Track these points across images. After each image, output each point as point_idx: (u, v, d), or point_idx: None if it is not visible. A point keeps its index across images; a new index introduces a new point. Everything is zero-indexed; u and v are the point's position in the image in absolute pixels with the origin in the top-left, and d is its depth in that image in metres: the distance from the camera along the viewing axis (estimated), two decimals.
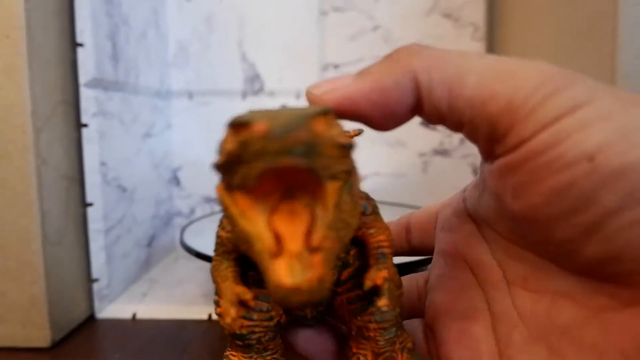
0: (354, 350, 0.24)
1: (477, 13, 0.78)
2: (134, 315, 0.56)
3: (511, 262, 0.22)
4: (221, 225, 0.25)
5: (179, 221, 0.82)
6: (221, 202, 0.18)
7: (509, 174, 0.19)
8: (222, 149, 0.17)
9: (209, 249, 0.53)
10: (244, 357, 0.25)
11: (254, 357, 0.25)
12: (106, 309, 0.56)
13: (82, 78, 0.53)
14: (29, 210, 0.46)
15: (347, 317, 0.25)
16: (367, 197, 0.24)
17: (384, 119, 0.21)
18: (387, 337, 0.23)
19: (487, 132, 0.19)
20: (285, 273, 0.15)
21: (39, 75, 0.46)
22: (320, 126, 0.17)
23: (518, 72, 0.19)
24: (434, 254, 0.28)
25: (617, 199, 0.17)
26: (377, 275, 0.23)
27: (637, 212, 0.17)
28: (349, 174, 0.18)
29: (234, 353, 0.25)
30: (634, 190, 0.17)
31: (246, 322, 0.24)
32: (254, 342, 0.24)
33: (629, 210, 0.17)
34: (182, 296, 0.61)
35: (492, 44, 0.80)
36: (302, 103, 0.81)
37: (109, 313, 0.56)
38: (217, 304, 0.24)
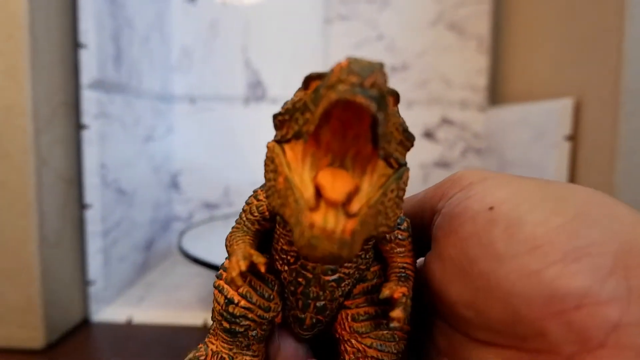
0: None
1: (482, 25, 0.78)
2: (130, 319, 0.55)
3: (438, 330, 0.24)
4: (255, 194, 0.23)
5: (178, 226, 0.82)
6: (269, 153, 0.18)
7: (437, 234, 0.22)
8: (288, 103, 0.18)
9: (207, 254, 0.53)
10: (223, 347, 0.23)
11: (234, 350, 0.23)
12: (102, 312, 0.56)
13: (85, 79, 0.53)
14: (27, 211, 0.45)
15: (347, 336, 0.23)
16: (405, 215, 0.24)
17: None
18: None
19: (430, 214, 0.24)
20: (319, 219, 0.15)
21: (41, 76, 0.46)
22: (390, 103, 0.18)
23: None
24: None
25: (507, 245, 0.19)
26: (397, 289, 0.21)
27: (525, 261, 0.18)
28: (402, 168, 0.18)
29: (213, 340, 0.23)
30: (525, 239, 0.19)
31: (242, 302, 0.22)
32: (241, 330, 0.22)
33: (518, 258, 0.19)
34: (178, 301, 0.60)
35: (497, 57, 0.80)
36: None
37: (105, 316, 0.56)
38: (222, 269, 0.22)
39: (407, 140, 0.19)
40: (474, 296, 0.20)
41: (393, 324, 0.20)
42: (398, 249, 0.22)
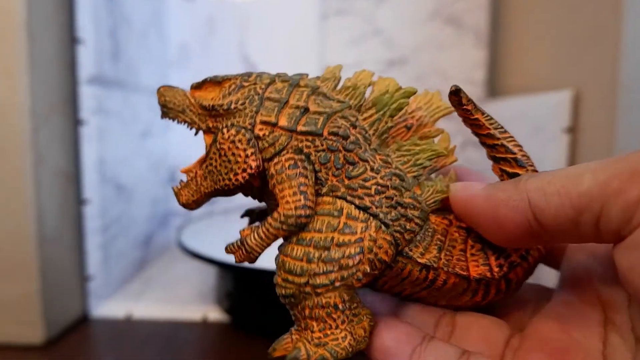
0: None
1: (479, 19, 0.78)
2: (129, 315, 0.55)
3: None
4: None
5: (176, 221, 0.82)
6: None
7: None
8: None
9: (206, 249, 0.53)
10: None
11: None
12: (101, 308, 0.56)
13: (82, 75, 0.52)
14: (25, 207, 0.45)
15: None
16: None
17: (493, 231, 0.21)
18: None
19: (620, 209, 0.18)
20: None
21: (38, 72, 0.46)
22: (194, 92, 0.26)
23: (632, 154, 0.18)
24: (563, 270, 0.24)
25: None
26: (245, 231, 0.23)
27: None
28: (216, 132, 0.24)
29: None
30: None
31: None
32: None
33: None
34: (177, 296, 0.60)
35: (495, 50, 0.80)
36: None
37: (104, 311, 0.56)
38: None
39: (206, 111, 0.25)
40: None
41: None
42: (273, 200, 0.24)
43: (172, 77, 0.80)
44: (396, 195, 0.23)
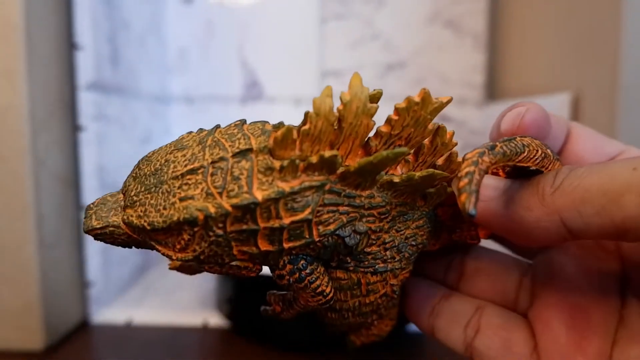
0: None
1: (478, 23, 0.78)
2: (129, 320, 0.55)
3: None
4: None
5: None
6: None
7: None
8: None
9: None
10: None
11: None
12: (101, 314, 0.56)
13: (81, 81, 0.52)
14: (24, 213, 0.45)
15: None
16: None
17: (521, 243, 0.20)
18: None
19: None
20: None
21: (37, 77, 0.46)
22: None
23: None
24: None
25: None
26: None
27: None
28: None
29: None
30: None
31: None
32: None
33: None
34: (177, 302, 0.60)
35: (494, 53, 0.80)
36: (301, 109, 0.81)
37: (104, 317, 0.56)
38: None
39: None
40: None
41: None
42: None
43: (172, 82, 0.80)
44: (406, 238, 0.22)
